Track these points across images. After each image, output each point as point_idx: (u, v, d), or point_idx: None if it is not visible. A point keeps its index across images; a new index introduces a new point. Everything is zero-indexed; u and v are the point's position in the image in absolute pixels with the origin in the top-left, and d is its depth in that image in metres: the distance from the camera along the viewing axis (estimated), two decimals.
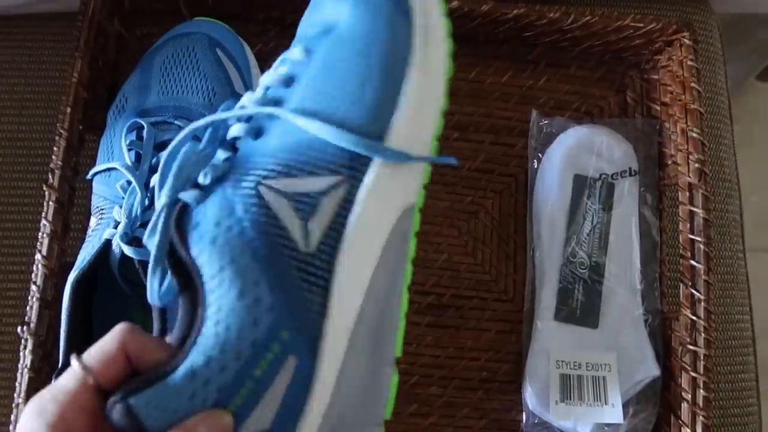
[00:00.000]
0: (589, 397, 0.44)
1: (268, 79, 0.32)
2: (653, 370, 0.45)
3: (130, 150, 0.40)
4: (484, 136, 0.50)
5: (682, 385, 0.43)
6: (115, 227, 0.38)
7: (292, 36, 0.42)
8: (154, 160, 0.40)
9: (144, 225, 0.38)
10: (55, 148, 0.44)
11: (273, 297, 0.27)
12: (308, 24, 0.35)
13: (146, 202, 0.39)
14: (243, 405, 0.26)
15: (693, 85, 0.46)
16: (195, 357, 0.25)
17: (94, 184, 0.42)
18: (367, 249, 0.30)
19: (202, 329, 0.26)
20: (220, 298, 0.26)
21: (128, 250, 0.36)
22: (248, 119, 0.31)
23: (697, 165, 0.45)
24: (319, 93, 0.31)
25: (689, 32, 0.47)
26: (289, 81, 0.32)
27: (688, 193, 0.45)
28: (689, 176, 0.45)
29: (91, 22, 0.45)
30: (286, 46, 0.49)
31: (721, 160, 0.54)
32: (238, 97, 0.45)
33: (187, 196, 0.28)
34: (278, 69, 0.33)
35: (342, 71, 0.31)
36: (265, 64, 0.49)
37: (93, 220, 0.41)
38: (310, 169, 0.29)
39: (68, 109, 0.44)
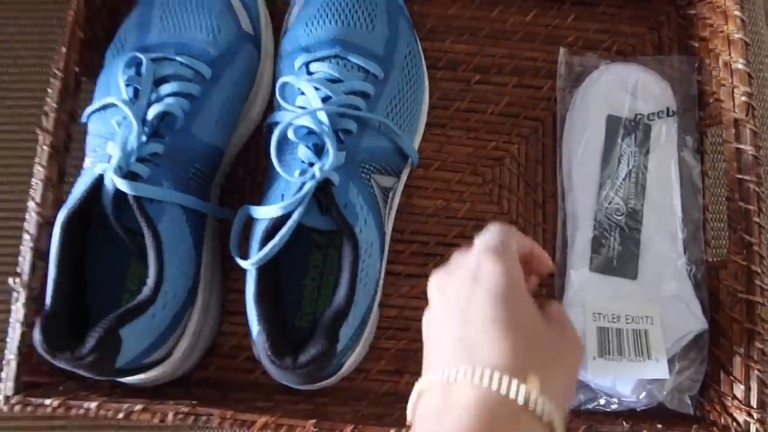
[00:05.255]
0: (630, 351, 0.40)
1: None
2: (700, 324, 0.41)
3: (128, 86, 0.38)
4: (508, 78, 0.47)
5: (734, 339, 0.39)
6: (109, 162, 0.34)
7: None
8: (153, 95, 0.37)
9: (140, 160, 0.35)
10: (49, 90, 0.41)
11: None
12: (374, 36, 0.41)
13: (143, 137, 0.36)
14: None
15: (736, 13, 0.42)
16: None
17: (89, 124, 0.39)
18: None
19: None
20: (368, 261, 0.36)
21: (122, 184, 0.33)
22: (358, 119, 0.37)
23: (743, 98, 0.41)
24: (398, 112, 0.40)
25: None
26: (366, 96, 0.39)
27: (734, 130, 0.41)
28: (735, 111, 0.41)
29: None
30: None
31: (763, 97, 0.50)
32: (245, 35, 0.42)
33: (334, 176, 0.35)
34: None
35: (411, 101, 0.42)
36: (270, 2, 0.46)
37: (87, 161, 0.38)
38: (389, 170, 0.39)
39: (63, 49, 0.41)
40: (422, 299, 0.43)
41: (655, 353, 0.40)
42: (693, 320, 0.41)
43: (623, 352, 0.40)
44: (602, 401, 0.41)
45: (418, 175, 0.45)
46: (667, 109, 0.44)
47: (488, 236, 0.28)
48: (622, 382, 0.40)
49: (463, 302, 0.26)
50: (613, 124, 0.44)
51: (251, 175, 0.45)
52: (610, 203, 0.43)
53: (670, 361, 0.40)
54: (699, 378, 0.41)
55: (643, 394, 0.40)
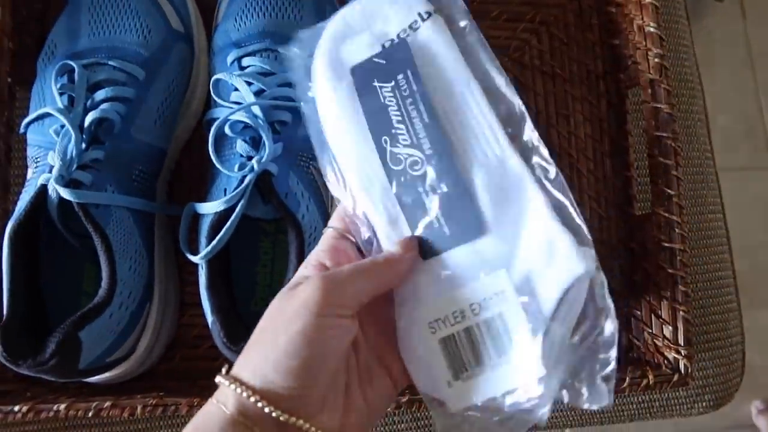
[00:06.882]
0: (489, 353, 0.28)
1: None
2: (580, 265, 0.28)
3: (62, 94, 0.38)
4: None
5: (661, 284, 0.43)
6: (51, 172, 0.35)
7: None
8: (88, 101, 0.38)
9: (82, 167, 0.36)
10: None
11: None
12: None
13: (82, 144, 0.36)
14: None
15: None
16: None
17: (28, 135, 0.39)
18: None
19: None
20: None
21: (65, 192, 0.34)
22: (291, 109, 0.38)
23: (656, 60, 0.43)
24: None
25: None
26: None
27: (650, 90, 0.44)
28: (650, 73, 0.44)
29: None
30: None
31: (681, 60, 0.53)
32: (176, 33, 0.43)
33: (272, 167, 0.37)
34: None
35: None
36: None
37: (29, 172, 0.38)
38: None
39: None
40: None
41: (520, 341, 0.27)
42: (573, 262, 0.28)
43: (481, 358, 0.28)
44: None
45: None
46: (419, 14, 0.32)
47: None
48: (500, 398, 0.28)
49: None
50: (361, 74, 0.32)
51: (197, 168, 0.46)
52: (399, 164, 0.30)
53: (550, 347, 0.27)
54: (608, 356, 0.28)
55: (534, 401, 0.27)
